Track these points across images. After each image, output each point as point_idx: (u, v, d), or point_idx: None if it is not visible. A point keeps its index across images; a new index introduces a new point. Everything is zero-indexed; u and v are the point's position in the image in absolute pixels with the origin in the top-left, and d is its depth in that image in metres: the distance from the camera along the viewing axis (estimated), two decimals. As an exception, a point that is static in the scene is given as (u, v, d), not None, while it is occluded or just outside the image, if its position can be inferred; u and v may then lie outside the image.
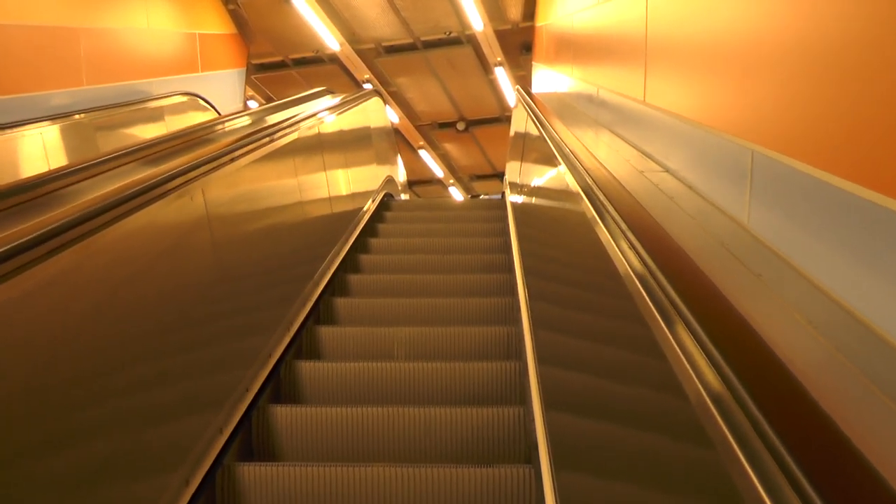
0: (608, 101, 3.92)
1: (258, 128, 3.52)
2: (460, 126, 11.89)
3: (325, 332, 3.16)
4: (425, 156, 12.97)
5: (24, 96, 5.22)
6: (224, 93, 9.34)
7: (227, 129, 3.93)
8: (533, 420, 2.25)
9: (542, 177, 3.79)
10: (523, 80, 10.43)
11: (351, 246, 4.54)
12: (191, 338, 2.13)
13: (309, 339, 3.15)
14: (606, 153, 3.57)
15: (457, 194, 14.99)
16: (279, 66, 10.77)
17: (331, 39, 9.45)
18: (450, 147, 13.10)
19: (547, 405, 2.04)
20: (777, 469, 0.68)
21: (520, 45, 9.99)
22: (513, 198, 5.81)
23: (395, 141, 8.56)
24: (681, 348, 0.97)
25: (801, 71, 1.62)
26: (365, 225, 5.03)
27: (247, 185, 3.01)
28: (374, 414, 2.46)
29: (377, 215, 5.53)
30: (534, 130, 4.22)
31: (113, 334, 1.70)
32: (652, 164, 2.77)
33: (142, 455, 1.75)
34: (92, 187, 1.91)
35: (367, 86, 10.62)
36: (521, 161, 5.26)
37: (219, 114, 8.09)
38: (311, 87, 11.10)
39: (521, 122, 5.95)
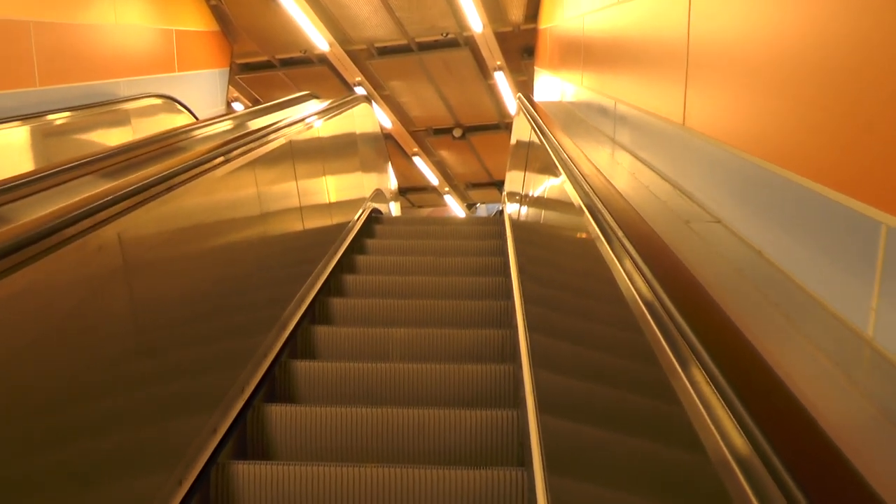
0: (630, 117, 3.30)
1: (213, 146, 2.91)
2: (457, 133, 11.27)
3: (276, 411, 2.55)
4: (420, 163, 12.35)
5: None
6: (204, 94, 8.70)
7: (176, 145, 3.35)
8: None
9: (547, 197, 3.20)
10: (524, 86, 9.83)
11: (327, 278, 3.91)
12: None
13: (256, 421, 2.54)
14: (628, 182, 2.96)
15: (452, 203, 14.37)
16: (265, 67, 10.14)
17: (319, 39, 8.83)
18: (445, 154, 12.48)
19: (550, 469, 1.85)
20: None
21: (521, 48, 9.37)
22: (510, 209, 5.22)
23: (385, 150, 7.94)
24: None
25: None
26: (343, 254, 4.41)
27: (180, 220, 2.39)
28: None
29: (357, 243, 4.89)
30: (540, 147, 3.63)
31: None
32: (695, 206, 2.16)
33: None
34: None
35: (359, 89, 10.00)
36: (524, 176, 4.65)
37: (195, 118, 7.47)
38: (300, 89, 10.48)
39: (523, 133, 5.36)
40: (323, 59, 9.69)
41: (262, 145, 3.40)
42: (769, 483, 0.68)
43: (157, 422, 1.90)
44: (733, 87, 2.02)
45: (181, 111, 7.25)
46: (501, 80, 9.62)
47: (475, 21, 8.35)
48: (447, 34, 9.00)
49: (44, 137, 5.06)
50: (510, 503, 2.16)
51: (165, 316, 2.01)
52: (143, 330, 1.86)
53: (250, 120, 4.69)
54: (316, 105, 6.01)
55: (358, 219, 5.29)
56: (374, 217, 5.67)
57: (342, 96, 6.19)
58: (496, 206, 18.89)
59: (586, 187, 1.94)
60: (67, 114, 5.37)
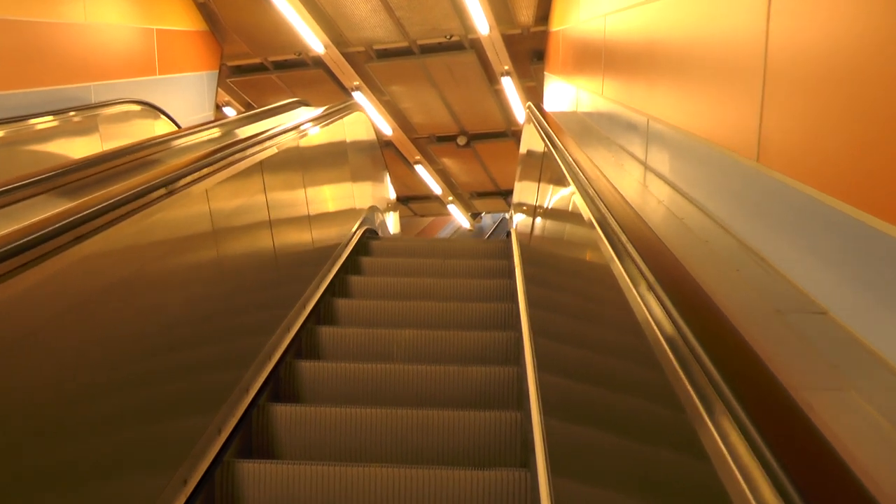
0: (669, 139, 2.69)
1: (155, 174, 2.35)
2: (461, 141, 10.65)
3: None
4: (422, 171, 11.73)
5: None
6: (189, 99, 8.11)
7: (121, 167, 2.78)
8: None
9: (563, 236, 2.61)
10: (533, 93, 9.21)
11: (297, 334, 3.29)
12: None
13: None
14: (670, 224, 2.35)
15: (456, 212, 13.75)
16: (258, 70, 9.54)
17: (313, 40, 8.22)
18: (449, 162, 11.86)
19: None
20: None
21: (530, 52, 8.76)
22: (518, 223, 4.60)
23: (382, 160, 7.34)
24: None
25: None
26: (322, 296, 3.79)
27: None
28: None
29: (339, 281, 4.27)
30: (553, 169, 3.04)
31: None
32: (787, 284, 1.54)
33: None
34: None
35: (357, 94, 9.39)
36: (534, 198, 4.05)
37: (177, 125, 6.87)
38: (294, 94, 9.87)
39: (533, 147, 4.77)
40: (318, 62, 9.08)
41: (222, 169, 2.79)
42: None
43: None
44: (842, 115, 1.41)
45: (160, 118, 6.65)
46: (509, 86, 9.00)
47: (481, 22, 7.74)
48: (451, 36, 8.38)
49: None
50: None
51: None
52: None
53: (224, 132, 4.09)
54: (306, 113, 5.40)
55: (346, 245, 4.67)
56: (365, 243, 5.04)
57: (333, 104, 5.59)
58: (500, 215, 18.29)
59: (614, 226, 1.49)
60: (24, 123, 4.77)
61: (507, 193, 12.88)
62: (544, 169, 3.65)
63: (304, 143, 4.04)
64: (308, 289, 3.62)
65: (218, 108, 10.38)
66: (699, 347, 0.89)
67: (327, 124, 4.71)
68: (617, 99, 3.85)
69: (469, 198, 13.45)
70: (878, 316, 1.23)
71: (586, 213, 1.89)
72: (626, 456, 1.25)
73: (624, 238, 1.37)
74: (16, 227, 1.51)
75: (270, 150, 3.41)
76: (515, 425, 2.61)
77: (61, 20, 5.70)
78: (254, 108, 7.28)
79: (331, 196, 4.68)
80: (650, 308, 1.10)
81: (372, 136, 6.68)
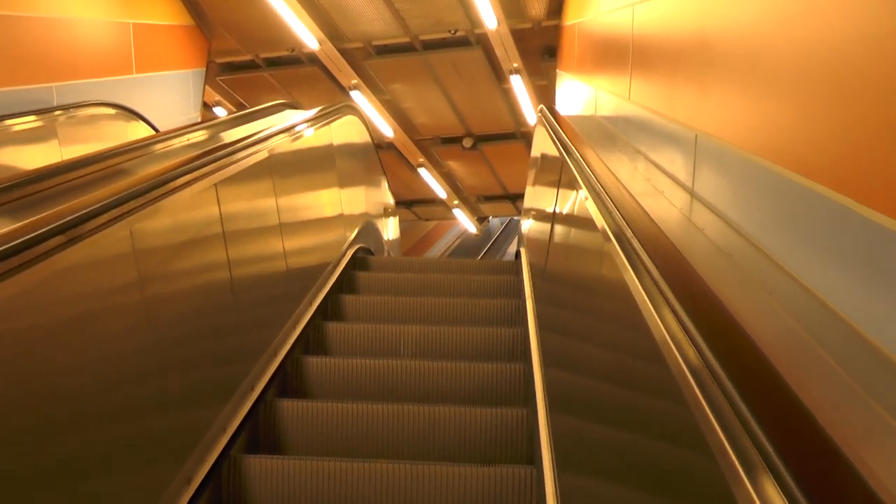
0: (731, 163, 2.04)
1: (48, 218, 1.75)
2: (467, 143, 9.99)
3: None
4: (425, 174, 11.09)
5: None
6: (171, 100, 7.49)
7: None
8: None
9: (587, 286, 2.03)
10: (545, 92, 8.56)
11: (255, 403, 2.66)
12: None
13: None
14: (728, 274, 1.74)
15: (462, 216, 13.09)
16: (249, 67, 8.91)
17: (307, 35, 7.58)
18: (454, 165, 11.21)
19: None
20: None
21: (542, 48, 8.10)
22: (530, 237, 3.97)
23: (379, 166, 6.70)
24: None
25: None
26: (286, 356, 3.14)
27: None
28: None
29: (314, 332, 3.63)
30: (571, 186, 2.44)
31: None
32: None
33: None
34: None
35: (356, 93, 8.75)
36: (553, 220, 3.45)
37: (154, 129, 6.25)
38: (288, 93, 9.22)
39: (548, 153, 4.15)
40: (313, 59, 8.44)
41: (151, 203, 2.15)
42: None
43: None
44: None
45: (134, 122, 6.02)
46: (518, 85, 8.34)
47: (488, 16, 7.08)
48: (455, 31, 7.72)
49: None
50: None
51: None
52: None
53: (185, 144, 3.46)
54: (294, 116, 4.77)
55: (331, 274, 4.03)
56: (349, 277, 4.37)
57: (324, 107, 4.96)
58: (508, 218, 17.62)
59: (658, 278, 1.24)
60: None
61: (516, 197, 12.22)
62: (560, 200, 3.01)
63: (279, 154, 3.40)
64: (267, 350, 2.98)
65: (208, 107, 9.75)
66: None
67: (312, 129, 4.07)
68: (650, 105, 3.20)
69: (475, 202, 12.80)
70: None
71: (629, 276, 1.45)
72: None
73: (697, 352, 0.98)
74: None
75: (229, 169, 2.77)
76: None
77: (16, 12, 5.08)
78: (246, 109, 6.65)
79: (313, 219, 4.03)
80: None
81: (366, 138, 6.04)
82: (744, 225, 1.89)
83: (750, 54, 1.96)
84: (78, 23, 5.82)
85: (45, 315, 1.53)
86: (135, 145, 2.96)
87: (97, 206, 1.82)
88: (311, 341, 3.33)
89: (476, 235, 14.38)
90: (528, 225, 4.95)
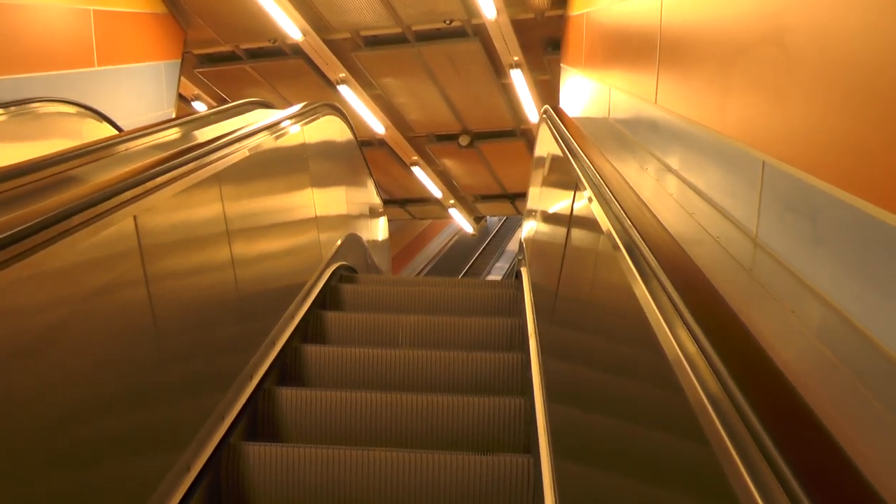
0: (834, 217, 1.44)
1: None
2: (463, 141, 9.37)
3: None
4: (419, 173, 10.47)
5: None
6: (140, 95, 6.86)
7: None
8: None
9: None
10: (547, 87, 7.94)
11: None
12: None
13: None
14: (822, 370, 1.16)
15: (458, 216, 12.47)
16: (229, 59, 8.28)
17: (289, 25, 6.95)
18: (450, 163, 10.59)
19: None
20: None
21: (544, 40, 7.47)
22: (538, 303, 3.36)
23: (364, 168, 6.08)
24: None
25: None
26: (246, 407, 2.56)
27: None
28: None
29: (285, 368, 3.03)
30: (589, 227, 1.85)
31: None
32: None
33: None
34: None
35: (343, 87, 8.12)
36: (557, 277, 2.86)
37: (117, 128, 5.63)
38: (272, 86, 8.54)
39: (548, 158, 3.57)
40: (298, 51, 7.81)
41: (43, 245, 1.54)
42: None
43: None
44: None
45: (89, 121, 5.39)
46: (519, 80, 7.71)
47: (486, 5, 6.45)
48: (451, 21, 7.09)
49: None
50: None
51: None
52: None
53: (120, 156, 2.84)
54: (269, 113, 4.15)
55: (297, 310, 3.43)
56: (328, 302, 3.77)
57: (308, 103, 4.35)
58: (503, 218, 17.00)
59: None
60: None
61: (516, 197, 11.62)
62: (575, 205, 2.39)
63: (231, 169, 2.78)
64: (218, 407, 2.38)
65: (187, 101, 9.11)
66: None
67: (278, 133, 3.45)
68: (686, 113, 2.59)
69: (472, 201, 12.18)
70: None
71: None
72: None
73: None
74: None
75: (155, 194, 2.15)
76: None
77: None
78: (228, 103, 6.02)
79: (274, 250, 3.42)
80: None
81: (349, 138, 5.41)
82: (861, 314, 1.28)
83: (861, 60, 1.35)
84: (27, 8, 5.19)
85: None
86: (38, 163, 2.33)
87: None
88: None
89: (473, 235, 13.77)
90: (532, 258, 4.34)
